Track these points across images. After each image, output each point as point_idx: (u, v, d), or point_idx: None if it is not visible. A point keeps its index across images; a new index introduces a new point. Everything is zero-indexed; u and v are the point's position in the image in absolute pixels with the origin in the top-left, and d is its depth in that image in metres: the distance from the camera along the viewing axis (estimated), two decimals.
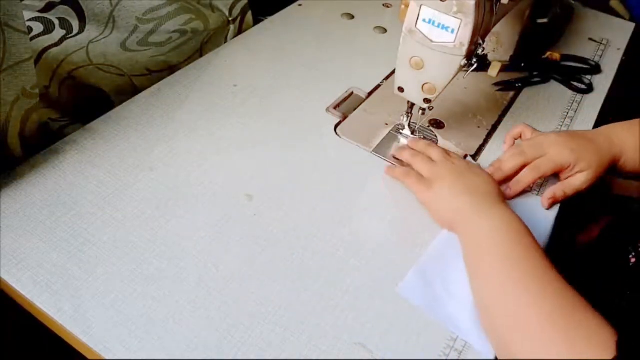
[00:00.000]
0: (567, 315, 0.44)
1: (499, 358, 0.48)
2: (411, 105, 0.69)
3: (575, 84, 0.84)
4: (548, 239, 0.61)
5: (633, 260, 0.57)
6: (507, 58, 0.85)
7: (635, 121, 0.67)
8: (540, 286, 0.47)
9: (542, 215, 0.63)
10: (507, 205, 0.56)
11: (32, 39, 0.65)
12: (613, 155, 0.63)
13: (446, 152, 0.64)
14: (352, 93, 0.78)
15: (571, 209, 0.66)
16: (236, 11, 0.86)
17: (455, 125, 0.74)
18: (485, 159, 0.70)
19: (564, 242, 0.62)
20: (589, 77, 0.85)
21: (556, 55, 0.87)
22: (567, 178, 0.63)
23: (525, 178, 0.63)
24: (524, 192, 0.64)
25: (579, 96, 0.82)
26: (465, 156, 0.69)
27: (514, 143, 0.70)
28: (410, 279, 0.55)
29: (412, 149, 0.66)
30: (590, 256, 0.69)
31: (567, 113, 0.79)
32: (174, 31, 0.78)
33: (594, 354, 0.40)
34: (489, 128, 0.75)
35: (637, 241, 0.58)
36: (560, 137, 0.65)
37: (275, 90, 0.76)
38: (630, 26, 1.01)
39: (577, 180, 0.62)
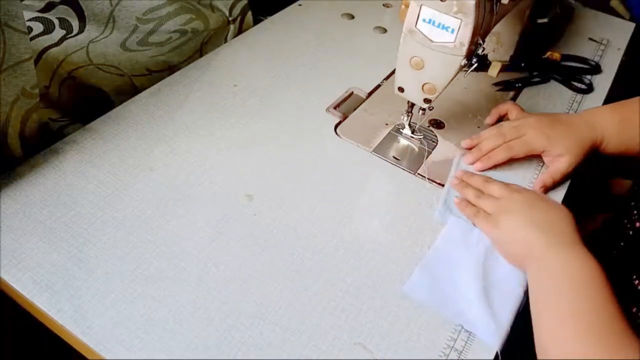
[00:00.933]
0: None
1: None
2: (411, 105, 0.69)
3: (575, 84, 0.84)
4: None
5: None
6: (507, 58, 0.85)
7: (616, 104, 0.69)
8: (604, 340, 0.45)
9: None
10: (583, 245, 0.53)
11: (32, 39, 0.65)
12: (593, 139, 0.65)
13: (509, 185, 0.62)
14: (352, 93, 0.78)
15: (572, 208, 0.66)
16: (236, 11, 0.86)
17: (455, 125, 0.74)
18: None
19: None
20: (589, 77, 0.85)
21: (556, 55, 0.86)
22: (551, 164, 0.66)
23: (497, 155, 0.65)
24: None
25: (579, 96, 0.82)
26: None
27: (498, 119, 0.72)
28: (416, 277, 0.55)
29: (468, 183, 0.64)
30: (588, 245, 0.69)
31: (568, 113, 0.79)
32: (174, 31, 0.78)
33: None
34: None
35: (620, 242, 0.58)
36: (540, 121, 0.67)
37: (275, 90, 0.76)
38: (630, 26, 1.00)
39: (561, 165, 0.65)
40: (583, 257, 0.51)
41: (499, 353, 0.50)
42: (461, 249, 0.58)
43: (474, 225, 0.60)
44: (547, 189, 0.65)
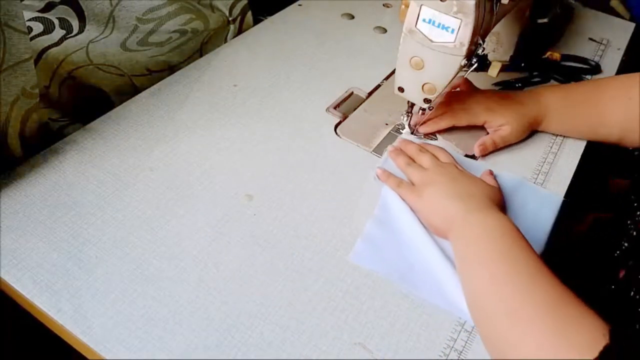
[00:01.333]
0: (560, 306, 0.44)
1: (490, 352, 0.48)
2: (411, 106, 0.69)
3: None
4: (549, 231, 0.61)
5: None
6: (507, 58, 0.85)
7: (565, 86, 0.73)
8: (532, 279, 0.47)
9: (544, 209, 0.64)
10: (499, 209, 0.56)
11: (32, 39, 0.65)
12: (536, 114, 0.70)
13: (437, 158, 0.65)
14: (352, 93, 0.78)
15: (572, 207, 0.66)
16: (236, 11, 0.86)
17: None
18: (485, 159, 0.70)
19: (560, 232, 0.62)
20: (589, 77, 0.85)
21: (556, 55, 0.86)
22: (494, 133, 0.70)
23: (442, 120, 0.70)
24: (527, 193, 0.65)
25: None
26: (471, 156, 0.70)
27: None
28: (359, 246, 0.57)
29: (404, 152, 0.67)
30: (583, 247, 0.70)
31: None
32: (174, 31, 0.78)
33: (585, 344, 0.40)
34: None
35: (622, 238, 0.58)
36: (484, 96, 0.72)
37: (275, 90, 0.76)
38: (630, 26, 1.00)
39: (503, 132, 0.69)
40: (498, 217, 0.54)
41: None
42: (399, 214, 0.60)
43: (400, 195, 0.61)
44: (486, 150, 0.69)
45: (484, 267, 0.50)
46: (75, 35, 0.68)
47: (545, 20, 0.87)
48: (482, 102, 0.70)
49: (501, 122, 0.69)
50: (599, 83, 0.74)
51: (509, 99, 0.71)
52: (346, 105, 0.76)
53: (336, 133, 0.71)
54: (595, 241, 0.70)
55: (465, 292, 0.52)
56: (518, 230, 0.52)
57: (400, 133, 0.72)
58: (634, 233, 0.57)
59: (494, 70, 0.83)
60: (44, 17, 0.66)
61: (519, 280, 0.47)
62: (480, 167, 0.67)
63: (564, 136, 0.73)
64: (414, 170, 0.63)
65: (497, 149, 0.70)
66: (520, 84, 0.83)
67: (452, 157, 0.66)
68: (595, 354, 0.39)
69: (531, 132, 0.72)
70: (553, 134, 0.73)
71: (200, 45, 0.84)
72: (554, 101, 0.70)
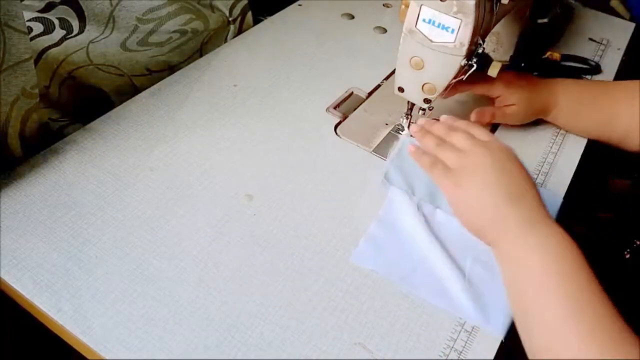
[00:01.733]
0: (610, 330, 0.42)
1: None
2: (411, 107, 0.69)
3: None
4: None
5: (628, 255, 0.58)
6: (507, 58, 0.85)
7: (580, 80, 0.74)
8: (595, 322, 0.43)
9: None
10: (555, 222, 0.49)
11: (32, 39, 0.65)
12: (547, 102, 0.71)
13: (475, 134, 0.54)
14: (352, 93, 0.78)
15: (572, 208, 0.66)
16: (236, 11, 0.86)
17: None
18: None
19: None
20: (589, 77, 0.85)
21: (556, 55, 0.86)
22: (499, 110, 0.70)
23: (458, 86, 0.64)
24: None
25: None
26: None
27: None
28: (362, 247, 0.57)
29: (429, 131, 0.57)
30: (583, 247, 0.70)
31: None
32: (174, 31, 0.78)
33: None
34: (490, 128, 0.75)
35: (633, 238, 0.58)
36: (507, 74, 0.70)
37: (275, 90, 0.76)
38: (630, 26, 1.00)
39: (507, 110, 0.70)
40: (561, 234, 0.48)
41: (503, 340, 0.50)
42: (405, 217, 0.60)
43: (432, 179, 0.54)
44: (483, 117, 0.69)
45: (542, 296, 0.45)
46: (76, 35, 0.68)
47: (545, 20, 0.87)
48: (503, 76, 0.67)
49: (511, 99, 0.69)
50: (613, 84, 0.74)
51: (526, 80, 0.71)
52: (346, 105, 0.76)
53: (336, 133, 0.71)
54: (595, 241, 0.70)
55: (514, 308, 0.48)
56: (579, 249, 0.47)
57: (400, 134, 0.72)
58: None
59: (494, 70, 0.83)
60: (44, 17, 0.66)
61: (579, 320, 0.43)
62: None
63: (566, 132, 0.73)
64: (446, 150, 0.53)
65: (492, 122, 0.71)
66: None
67: (489, 132, 0.56)
68: None
69: (536, 118, 0.72)
70: (553, 134, 0.73)
71: (200, 45, 0.84)
72: (567, 94, 0.70)
